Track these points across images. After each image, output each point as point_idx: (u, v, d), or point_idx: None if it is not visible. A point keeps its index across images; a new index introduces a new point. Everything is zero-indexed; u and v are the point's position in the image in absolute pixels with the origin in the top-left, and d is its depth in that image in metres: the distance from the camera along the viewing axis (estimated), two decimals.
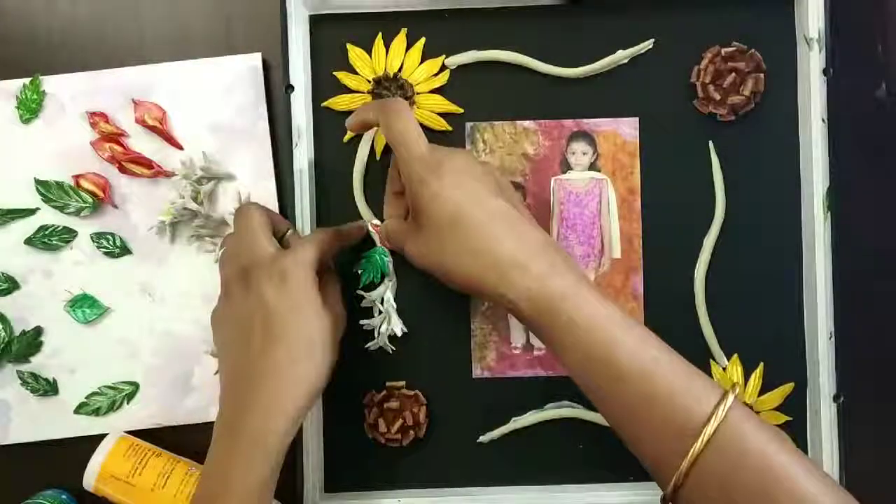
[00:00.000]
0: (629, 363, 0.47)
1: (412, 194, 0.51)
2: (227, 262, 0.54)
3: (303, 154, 0.59)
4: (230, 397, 0.51)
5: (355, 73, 0.60)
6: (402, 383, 0.61)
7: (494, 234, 0.49)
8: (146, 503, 0.58)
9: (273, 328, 0.50)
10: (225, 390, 0.51)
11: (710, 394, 0.46)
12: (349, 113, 0.60)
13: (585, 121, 0.61)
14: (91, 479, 0.59)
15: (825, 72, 0.59)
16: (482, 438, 0.61)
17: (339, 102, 0.60)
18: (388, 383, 0.61)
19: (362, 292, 0.59)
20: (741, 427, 0.45)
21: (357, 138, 0.60)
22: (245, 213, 0.54)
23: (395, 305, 0.59)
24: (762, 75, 0.59)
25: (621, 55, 0.60)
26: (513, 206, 0.51)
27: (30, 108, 0.61)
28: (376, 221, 0.59)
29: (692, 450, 0.44)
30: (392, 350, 0.60)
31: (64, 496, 0.60)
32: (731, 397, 0.45)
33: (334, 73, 0.60)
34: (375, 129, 0.60)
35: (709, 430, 0.44)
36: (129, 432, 0.61)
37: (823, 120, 0.59)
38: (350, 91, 0.60)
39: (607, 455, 0.60)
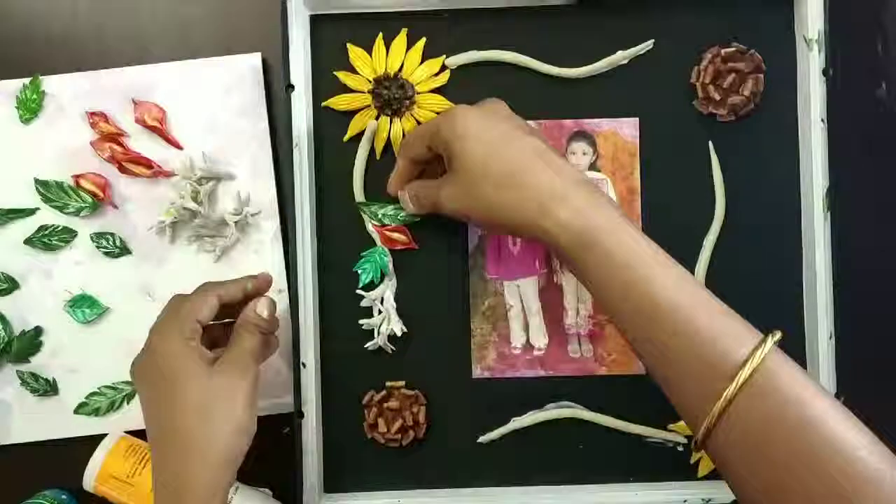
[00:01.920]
0: (666, 301, 0.46)
1: (445, 142, 0.52)
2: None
3: (303, 154, 0.59)
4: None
5: (356, 72, 0.60)
6: (402, 383, 0.61)
7: (531, 168, 0.50)
8: (146, 503, 0.58)
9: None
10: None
11: (748, 338, 0.45)
12: (350, 112, 0.60)
13: (586, 121, 0.61)
14: (91, 479, 0.59)
15: (825, 72, 0.59)
16: (482, 438, 0.61)
17: (339, 102, 0.60)
18: (388, 383, 0.60)
19: (362, 292, 0.59)
20: (778, 373, 0.43)
21: (357, 138, 0.60)
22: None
23: (395, 305, 0.59)
24: (762, 76, 0.59)
25: (621, 55, 0.60)
26: (545, 142, 0.52)
27: (30, 108, 0.61)
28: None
29: (725, 393, 0.43)
30: (392, 350, 0.60)
31: (64, 496, 0.60)
32: (769, 342, 0.44)
33: (335, 72, 0.60)
34: (374, 129, 0.60)
35: (744, 373, 0.43)
36: (129, 432, 0.61)
37: (823, 120, 0.59)
38: (350, 91, 0.60)
39: (607, 455, 0.60)
